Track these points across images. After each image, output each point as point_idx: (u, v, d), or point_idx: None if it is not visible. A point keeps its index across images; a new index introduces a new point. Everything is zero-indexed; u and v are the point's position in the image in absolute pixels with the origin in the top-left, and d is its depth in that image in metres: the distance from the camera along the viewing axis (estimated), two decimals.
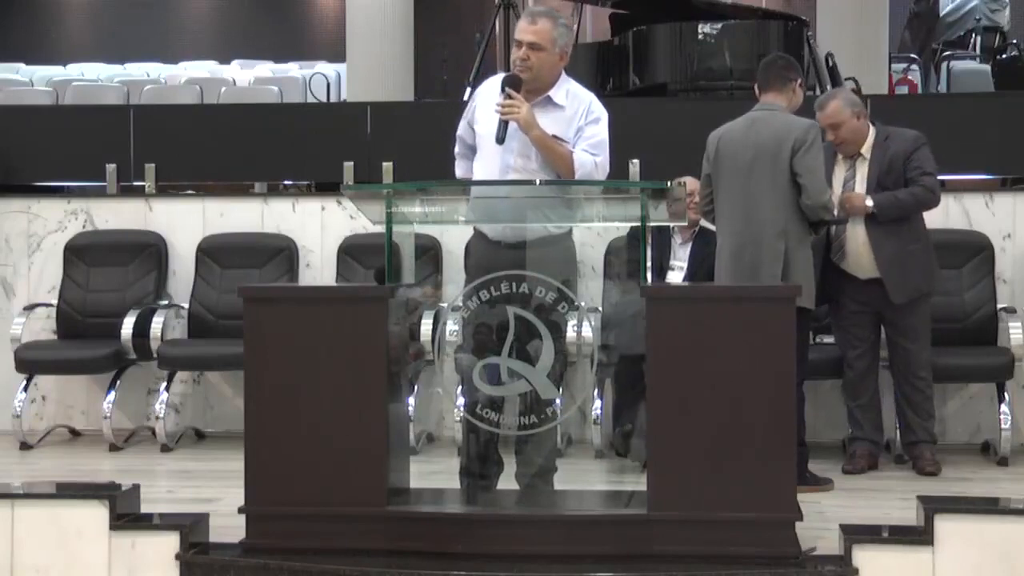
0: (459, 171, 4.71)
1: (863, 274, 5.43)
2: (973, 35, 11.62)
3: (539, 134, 4.38)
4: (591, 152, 4.45)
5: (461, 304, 4.19)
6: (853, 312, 5.49)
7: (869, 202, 5.34)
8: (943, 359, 5.58)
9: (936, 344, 5.56)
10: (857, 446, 5.53)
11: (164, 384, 6.24)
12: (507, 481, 4.54)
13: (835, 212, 5.24)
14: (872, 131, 5.48)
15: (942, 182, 5.82)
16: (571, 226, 4.51)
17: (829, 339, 5.88)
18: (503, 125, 4.36)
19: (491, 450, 4.50)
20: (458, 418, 5.74)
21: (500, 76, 4.64)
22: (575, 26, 10.79)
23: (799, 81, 5.28)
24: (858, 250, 5.41)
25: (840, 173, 5.50)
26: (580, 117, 4.49)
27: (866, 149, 5.47)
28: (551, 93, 4.49)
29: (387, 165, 6.90)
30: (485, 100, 4.57)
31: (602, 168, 4.49)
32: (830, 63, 8.66)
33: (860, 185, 5.44)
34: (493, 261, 4.36)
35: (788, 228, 5.01)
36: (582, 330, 5.39)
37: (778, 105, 5.18)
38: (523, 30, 4.45)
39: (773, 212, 5.02)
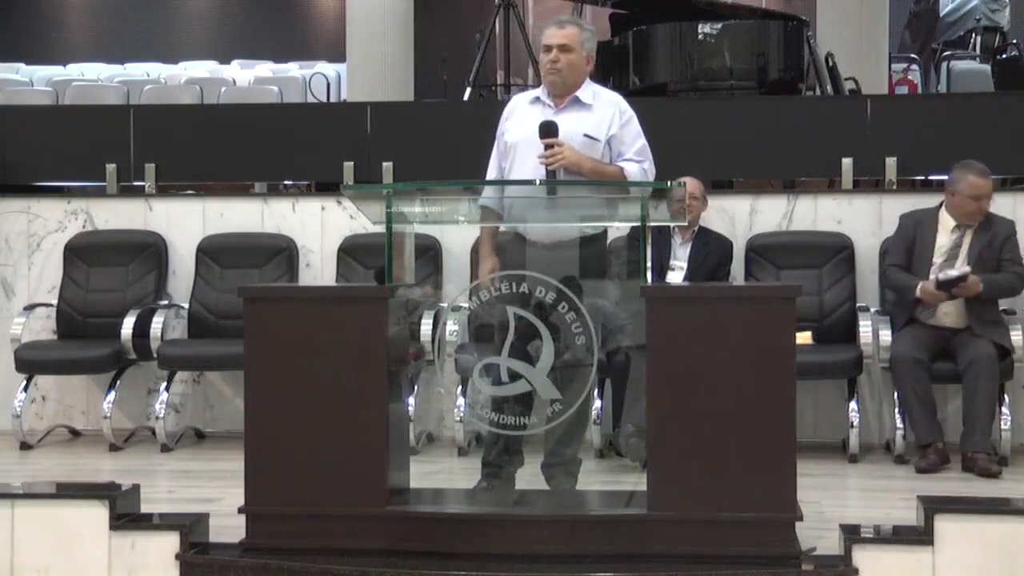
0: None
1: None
2: (973, 35, 11.59)
3: (590, 167, 4.52)
4: (636, 160, 4.62)
5: (462, 304, 4.19)
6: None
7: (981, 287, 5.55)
8: (943, 362, 5.59)
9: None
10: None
11: (164, 384, 6.24)
12: (522, 480, 4.57)
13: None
14: None
15: (940, 182, 5.96)
16: (605, 226, 4.61)
17: None
18: (551, 175, 4.45)
19: (493, 449, 4.51)
20: (458, 418, 5.76)
21: (526, 94, 4.77)
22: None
23: None
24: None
25: (945, 239, 5.71)
26: (613, 118, 4.62)
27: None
28: (578, 94, 4.65)
29: (387, 165, 6.89)
30: (514, 112, 4.71)
31: (650, 172, 4.66)
32: (830, 63, 8.66)
33: (963, 257, 5.65)
34: (526, 261, 4.46)
35: None
36: None
37: None
38: (552, 35, 4.63)
39: None
